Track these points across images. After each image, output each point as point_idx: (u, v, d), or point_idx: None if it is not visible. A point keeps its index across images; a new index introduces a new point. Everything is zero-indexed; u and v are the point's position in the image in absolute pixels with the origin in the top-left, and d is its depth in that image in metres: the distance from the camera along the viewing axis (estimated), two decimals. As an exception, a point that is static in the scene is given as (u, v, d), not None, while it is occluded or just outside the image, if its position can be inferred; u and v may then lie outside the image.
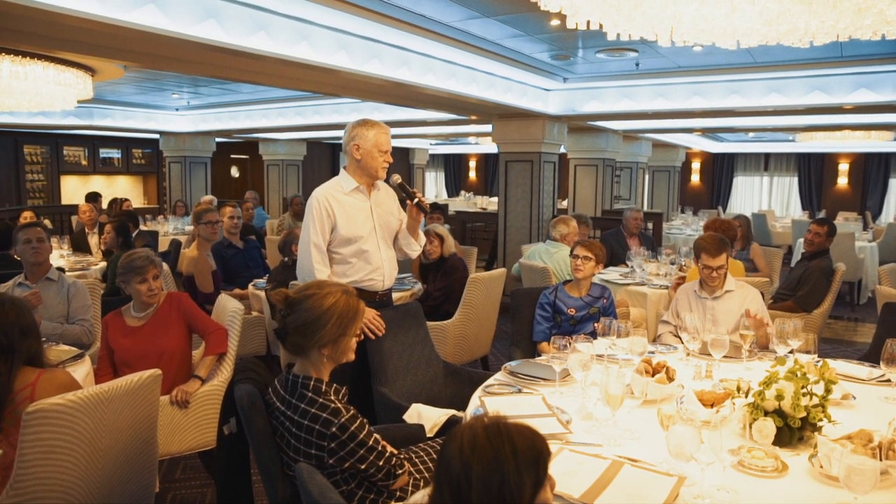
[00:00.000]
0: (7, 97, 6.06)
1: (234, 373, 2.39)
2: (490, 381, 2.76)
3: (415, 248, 3.38)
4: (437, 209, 6.78)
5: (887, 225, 11.05)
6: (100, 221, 7.06)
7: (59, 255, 6.38)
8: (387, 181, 3.34)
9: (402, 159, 18.46)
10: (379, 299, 3.25)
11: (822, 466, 1.88)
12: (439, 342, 4.24)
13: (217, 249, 5.45)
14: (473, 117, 8.69)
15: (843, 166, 15.68)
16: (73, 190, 13.60)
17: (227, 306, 3.47)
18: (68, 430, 2.05)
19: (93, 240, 7.08)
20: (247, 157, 16.14)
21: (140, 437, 2.35)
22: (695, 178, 17.72)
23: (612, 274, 5.47)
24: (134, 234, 6.52)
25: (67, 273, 4.67)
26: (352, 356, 2.10)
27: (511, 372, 2.82)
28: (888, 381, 2.54)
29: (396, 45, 5.43)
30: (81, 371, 2.97)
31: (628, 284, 5.07)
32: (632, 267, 5.51)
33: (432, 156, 19.76)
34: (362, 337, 2.13)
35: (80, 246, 7.05)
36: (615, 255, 6.23)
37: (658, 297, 4.81)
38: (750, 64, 6.58)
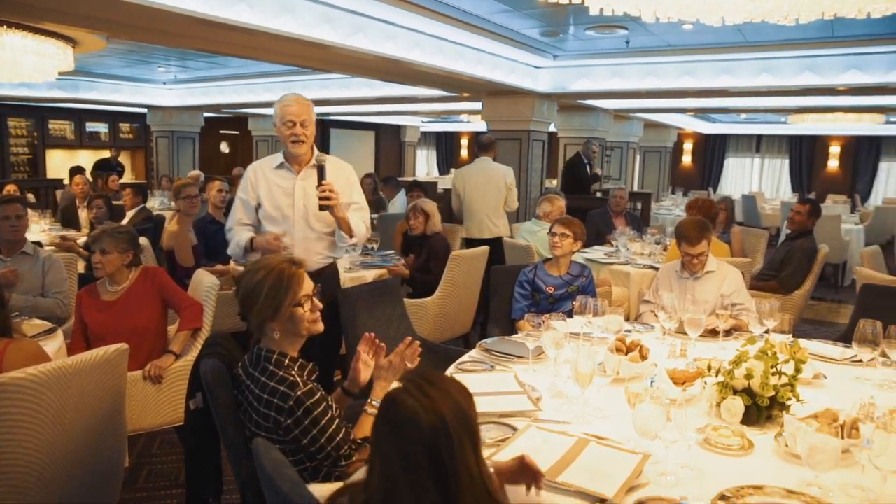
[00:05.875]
0: (-16, 67, 5.96)
1: (201, 347, 2.36)
2: (464, 357, 2.75)
3: (345, 240, 3.19)
4: (418, 186, 6.76)
5: (874, 208, 11.08)
6: (90, 195, 6.88)
7: (41, 231, 6.28)
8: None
9: (393, 137, 18.31)
10: None
11: (787, 445, 1.88)
12: (419, 319, 4.23)
13: (200, 225, 5.38)
14: (465, 95, 8.60)
15: (835, 149, 15.68)
16: (59, 164, 13.43)
17: (203, 281, 3.44)
18: (31, 404, 2.02)
19: (83, 213, 6.91)
20: (237, 132, 15.99)
21: (107, 412, 2.32)
22: (686, 159, 17.68)
23: (597, 253, 5.46)
24: (137, 208, 6.41)
25: (46, 247, 4.62)
26: (318, 327, 2.07)
27: (486, 349, 2.81)
28: (860, 361, 2.54)
29: (382, 20, 5.34)
30: (53, 345, 2.94)
31: (612, 264, 5.06)
32: (616, 246, 5.50)
33: (424, 133, 19.62)
34: (321, 305, 2.09)
35: (69, 220, 6.89)
36: (601, 235, 6.21)
37: (641, 276, 4.80)
38: (741, 43, 6.52)
